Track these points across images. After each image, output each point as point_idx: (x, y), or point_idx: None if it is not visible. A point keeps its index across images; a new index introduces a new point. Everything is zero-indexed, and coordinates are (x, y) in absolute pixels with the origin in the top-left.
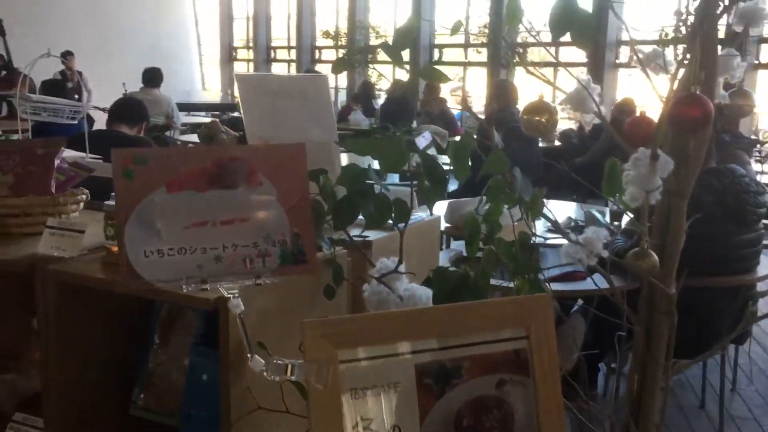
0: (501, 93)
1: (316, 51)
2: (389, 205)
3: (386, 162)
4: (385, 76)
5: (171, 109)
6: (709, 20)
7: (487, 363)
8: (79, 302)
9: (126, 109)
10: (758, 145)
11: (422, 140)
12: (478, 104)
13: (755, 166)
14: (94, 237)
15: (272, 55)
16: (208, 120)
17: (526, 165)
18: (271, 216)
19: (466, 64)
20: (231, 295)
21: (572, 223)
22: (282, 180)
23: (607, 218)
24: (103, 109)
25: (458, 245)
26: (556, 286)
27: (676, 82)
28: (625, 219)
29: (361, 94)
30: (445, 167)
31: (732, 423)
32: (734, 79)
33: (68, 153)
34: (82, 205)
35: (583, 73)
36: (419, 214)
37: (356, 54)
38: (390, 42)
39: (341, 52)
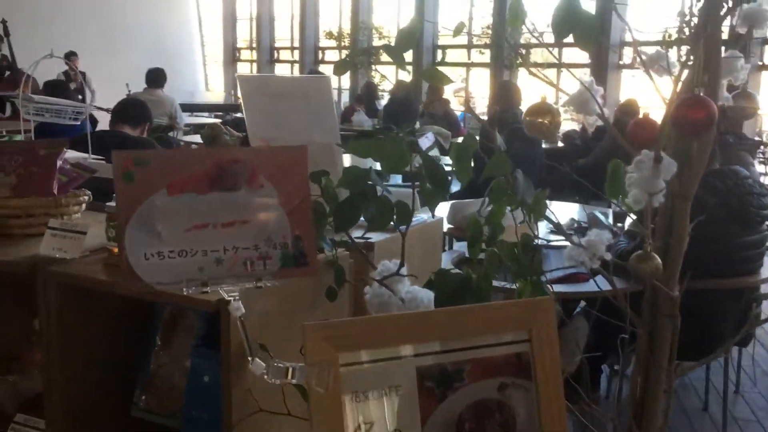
0: (503, 94)
1: (320, 52)
2: (391, 208)
3: (387, 164)
4: (386, 78)
5: (174, 110)
6: (713, 22)
7: (489, 366)
8: (81, 303)
9: (129, 110)
10: (762, 147)
11: (425, 141)
12: (482, 105)
13: (759, 168)
14: (96, 238)
15: (275, 55)
16: (211, 121)
17: (529, 166)
18: (272, 218)
19: (469, 65)
20: (232, 298)
21: (575, 225)
22: (283, 182)
23: (610, 220)
24: (107, 110)
25: (461, 246)
26: (558, 288)
27: (680, 84)
28: (628, 220)
29: (364, 95)
30: (448, 168)
31: (735, 425)
32: (738, 81)
33: (71, 154)
34: (84, 206)
35: (586, 75)
36: (421, 216)
37: (358, 55)
38: (393, 43)
39: (344, 53)
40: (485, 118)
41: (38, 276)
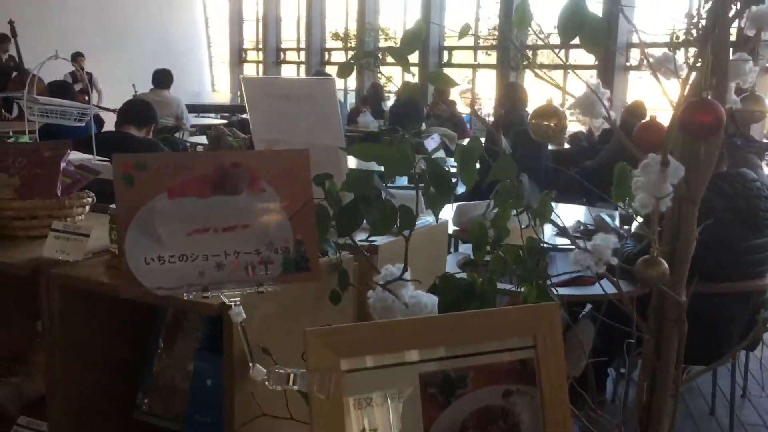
0: (509, 96)
1: (326, 53)
2: (394, 212)
3: (390, 168)
4: (391, 80)
5: (180, 111)
6: (721, 24)
7: (493, 373)
8: (84, 306)
9: (134, 111)
10: None
11: (431, 142)
12: (488, 107)
13: (767, 170)
14: (99, 240)
15: (282, 56)
16: (217, 122)
17: (535, 168)
18: (274, 223)
19: (475, 67)
20: (233, 303)
21: (581, 227)
22: (285, 186)
23: (617, 222)
24: (114, 111)
25: (466, 248)
26: (564, 291)
27: (687, 87)
28: (635, 223)
29: (370, 97)
30: (454, 170)
31: (742, 430)
32: (746, 84)
33: (75, 155)
34: (87, 208)
35: (592, 77)
36: (426, 219)
37: (362, 57)
38: (399, 44)
39: (350, 54)
40: (491, 119)
41: (41, 278)
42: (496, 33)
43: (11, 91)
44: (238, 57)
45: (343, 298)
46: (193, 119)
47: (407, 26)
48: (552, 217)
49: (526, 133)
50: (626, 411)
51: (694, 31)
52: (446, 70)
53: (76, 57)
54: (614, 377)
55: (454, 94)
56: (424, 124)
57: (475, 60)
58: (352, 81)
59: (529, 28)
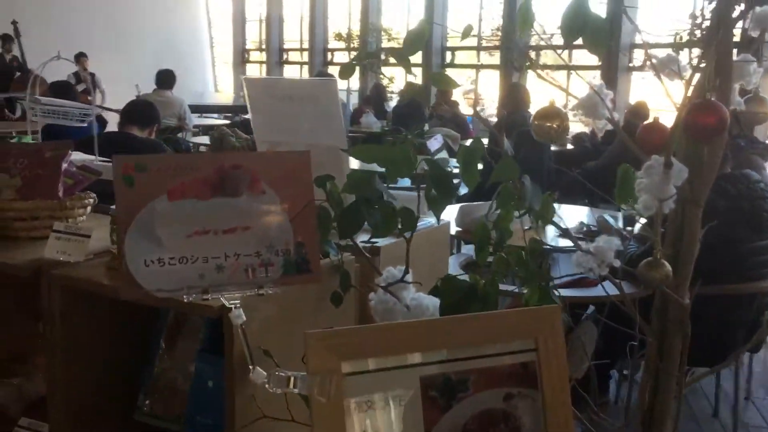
0: (512, 96)
1: (329, 53)
2: (395, 214)
3: (392, 170)
4: (392, 81)
5: (183, 111)
6: (725, 25)
7: (495, 376)
8: (85, 307)
9: (137, 111)
10: None
11: (434, 143)
12: (491, 107)
13: None
14: (101, 241)
15: (284, 57)
16: (220, 122)
17: (538, 169)
18: (274, 225)
19: (478, 67)
20: (233, 306)
21: (584, 228)
22: (286, 188)
23: (620, 223)
24: (117, 111)
25: (469, 249)
26: (566, 292)
27: (691, 88)
28: (638, 224)
29: (373, 97)
30: (457, 170)
31: None
32: (750, 86)
33: (78, 155)
34: (89, 208)
35: (595, 78)
36: (428, 220)
37: (364, 58)
38: (402, 45)
39: (353, 55)
40: (494, 120)
41: (42, 279)
42: (499, 33)
43: (14, 92)
44: (241, 57)
45: (344, 300)
46: (195, 119)
47: (410, 27)
48: (554, 219)
49: (528, 134)
50: (629, 413)
51: (697, 32)
52: (449, 71)
53: (80, 57)
54: (617, 379)
55: (457, 95)
56: (426, 125)
57: (478, 60)
58: (355, 81)
59: (532, 29)
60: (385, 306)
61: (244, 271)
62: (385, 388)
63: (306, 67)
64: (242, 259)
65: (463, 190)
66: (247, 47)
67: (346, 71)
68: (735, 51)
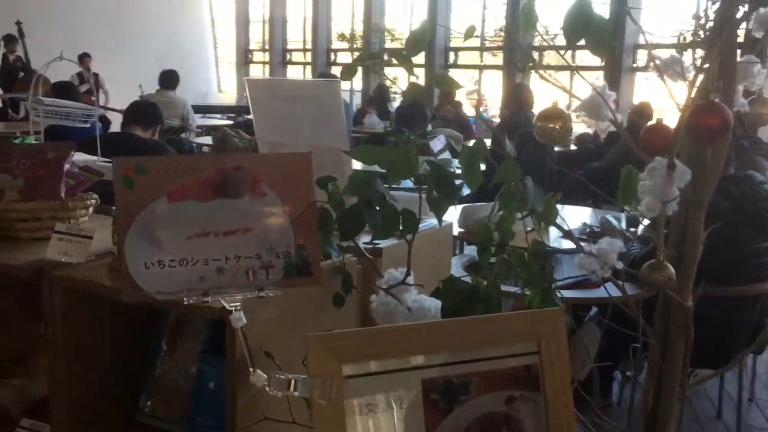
0: (515, 97)
1: (332, 54)
2: (396, 216)
3: (393, 171)
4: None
5: (186, 112)
6: (729, 25)
7: (497, 379)
8: (87, 308)
9: (140, 112)
10: None
11: (437, 143)
12: (495, 108)
13: None
14: (103, 242)
15: (288, 57)
16: (223, 123)
17: (540, 170)
18: (275, 227)
19: (481, 68)
20: (233, 308)
21: (587, 230)
22: (287, 190)
23: (623, 224)
24: (120, 111)
25: (471, 250)
26: (569, 294)
27: (695, 89)
28: (641, 225)
29: (376, 98)
30: (458, 171)
31: None
32: (754, 87)
33: (80, 156)
34: (91, 209)
35: (599, 78)
36: (431, 221)
37: (367, 59)
38: (404, 46)
39: (356, 55)
40: (498, 121)
41: (44, 280)
42: (502, 34)
43: (18, 92)
44: (244, 58)
45: (346, 302)
46: (199, 120)
47: (413, 27)
48: (557, 220)
49: (531, 135)
50: (632, 415)
51: (701, 33)
52: (452, 72)
53: (83, 58)
54: (620, 381)
55: (460, 96)
56: (429, 126)
57: (481, 61)
58: (358, 82)
59: (535, 30)
60: (387, 308)
61: (245, 273)
62: (387, 390)
63: (309, 68)
64: (243, 261)
65: (466, 191)
66: (251, 48)
67: (348, 72)
68: (739, 52)
